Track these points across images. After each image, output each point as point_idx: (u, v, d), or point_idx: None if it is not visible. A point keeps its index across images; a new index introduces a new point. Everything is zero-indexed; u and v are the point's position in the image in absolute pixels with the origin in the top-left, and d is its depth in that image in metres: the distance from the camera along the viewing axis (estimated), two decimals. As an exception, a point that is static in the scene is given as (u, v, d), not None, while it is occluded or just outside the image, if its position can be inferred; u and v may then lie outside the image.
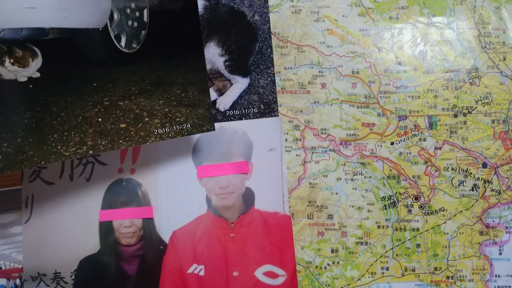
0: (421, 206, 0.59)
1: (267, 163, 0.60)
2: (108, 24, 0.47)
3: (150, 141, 0.48)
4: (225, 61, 0.61)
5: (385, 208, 0.60)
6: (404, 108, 0.60)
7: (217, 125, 0.59)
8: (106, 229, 0.59)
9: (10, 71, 0.43)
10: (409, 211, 0.59)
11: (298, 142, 0.60)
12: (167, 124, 0.49)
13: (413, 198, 0.60)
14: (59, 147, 0.44)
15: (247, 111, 0.60)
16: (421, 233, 0.59)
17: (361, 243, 0.59)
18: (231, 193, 0.59)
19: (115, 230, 0.59)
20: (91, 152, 0.45)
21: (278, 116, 0.60)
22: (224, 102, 0.60)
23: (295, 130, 0.60)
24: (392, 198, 0.60)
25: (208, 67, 0.59)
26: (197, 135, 0.59)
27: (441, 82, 0.60)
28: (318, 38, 0.61)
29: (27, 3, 0.40)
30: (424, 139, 0.60)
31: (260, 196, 0.59)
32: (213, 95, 0.60)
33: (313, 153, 0.60)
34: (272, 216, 0.59)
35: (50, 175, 0.59)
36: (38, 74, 0.44)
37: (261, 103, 0.61)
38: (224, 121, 0.60)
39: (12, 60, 0.43)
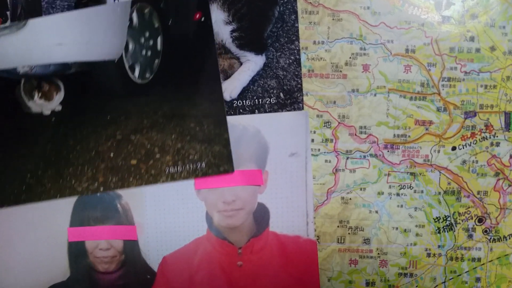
0: (485, 231, 0.51)
1: (287, 172, 0.51)
2: (123, 54, 0.51)
3: (161, 181, 0.49)
4: (232, 31, 0.50)
5: (439, 232, 0.51)
6: (474, 101, 0.50)
7: (221, 120, 0.51)
8: (77, 251, 0.51)
9: (38, 104, 0.49)
10: (470, 236, 0.51)
11: (329, 144, 0.51)
12: (179, 162, 0.49)
13: (476, 220, 0.51)
14: (73, 182, 0.48)
15: (262, 101, 0.51)
16: (483, 264, 0.52)
17: (405, 274, 0.52)
18: (239, 210, 0.51)
19: (89, 253, 0.51)
20: (102, 189, 0.49)
21: (303, 109, 0.51)
22: (230, 89, 0.50)
23: (325, 128, 0.51)
24: (448, 219, 0.51)
25: (209, 40, 0.51)
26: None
27: (527, 67, 0.49)
28: (361, 1, 0.49)
29: (57, 40, 0.47)
30: (497, 144, 0.51)
31: (277, 214, 0.51)
32: (216, 79, 0.51)
33: (347, 158, 0.51)
34: (291, 240, 0.51)
35: (3, 182, 0.53)
36: (60, 107, 0.50)
37: (280, 90, 0.51)
38: (231, 114, 0.50)
39: (40, 94, 0.49)
